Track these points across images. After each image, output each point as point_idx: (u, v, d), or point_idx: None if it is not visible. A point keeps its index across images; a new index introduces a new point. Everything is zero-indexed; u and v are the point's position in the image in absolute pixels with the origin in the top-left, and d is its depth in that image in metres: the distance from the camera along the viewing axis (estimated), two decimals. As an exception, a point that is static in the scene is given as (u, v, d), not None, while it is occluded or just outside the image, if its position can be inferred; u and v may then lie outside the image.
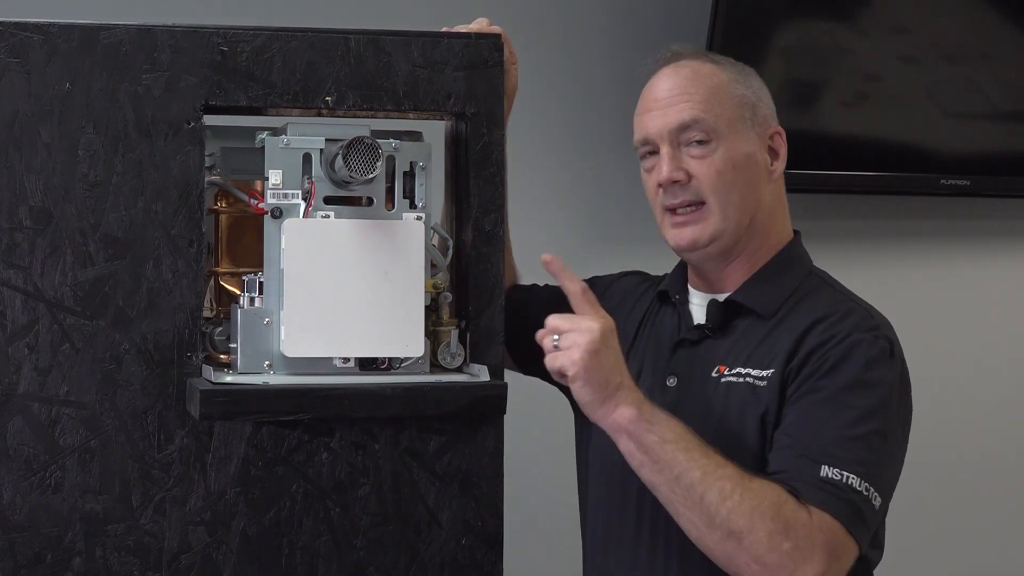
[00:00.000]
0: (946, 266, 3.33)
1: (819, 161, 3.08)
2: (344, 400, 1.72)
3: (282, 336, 1.74)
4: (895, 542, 1.92)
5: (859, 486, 1.72)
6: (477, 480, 1.82)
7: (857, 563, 1.77)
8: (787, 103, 3.05)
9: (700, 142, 1.87)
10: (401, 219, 1.78)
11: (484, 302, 1.84)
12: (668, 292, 1.98)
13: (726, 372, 1.85)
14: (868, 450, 1.75)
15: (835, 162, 3.12)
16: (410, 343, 1.77)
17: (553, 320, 1.76)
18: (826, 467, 1.72)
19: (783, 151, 1.94)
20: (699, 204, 1.88)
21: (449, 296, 1.85)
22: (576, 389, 1.73)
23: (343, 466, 1.78)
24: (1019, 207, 3.33)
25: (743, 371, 1.84)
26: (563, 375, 1.74)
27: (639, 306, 2.02)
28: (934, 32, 3.14)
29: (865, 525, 1.74)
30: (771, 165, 1.92)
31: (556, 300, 2.09)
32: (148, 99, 1.74)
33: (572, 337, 1.72)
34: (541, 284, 2.15)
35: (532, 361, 2.03)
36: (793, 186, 1.95)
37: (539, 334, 1.77)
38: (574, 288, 1.77)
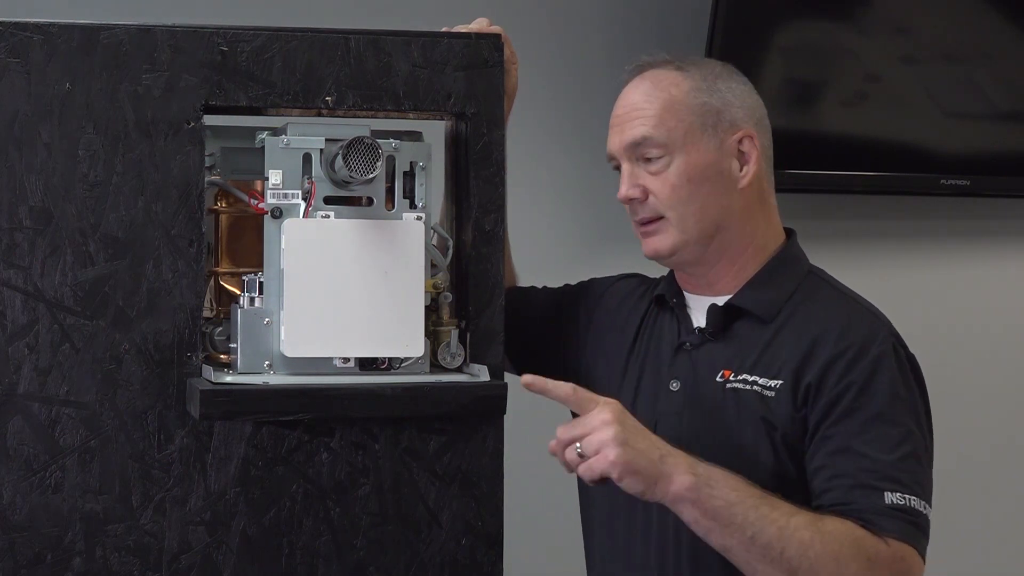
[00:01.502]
0: (946, 266, 3.32)
1: (819, 161, 3.08)
2: (344, 400, 1.72)
3: (282, 336, 1.74)
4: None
5: (919, 506, 1.74)
6: (477, 480, 1.82)
7: None
8: (787, 103, 3.05)
9: (653, 158, 1.88)
10: (401, 219, 1.78)
11: (484, 302, 1.84)
12: (665, 296, 1.98)
13: (731, 377, 1.84)
14: (918, 465, 1.77)
15: (835, 162, 3.11)
16: (410, 343, 1.77)
17: (564, 431, 1.69)
18: (889, 493, 1.72)
19: (754, 155, 1.89)
20: (659, 219, 1.88)
21: (449, 296, 1.84)
22: (627, 486, 1.67)
23: (343, 466, 1.78)
24: (1019, 207, 3.32)
25: (750, 378, 1.83)
26: (603, 481, 1.67)
27: (637, 309, 2.01)
28: (934, 32, 3.13)
29: (927, 541, 1.76)
30: (740, 171, 1.90)
31: (555, 302, 2.10)
32: (148, 99, 1.74)
33: (593, 440, 1.66)
34: (539, 286, 2.15)
35: (530, 363, 2.03)
36: (793, 186, 1.95)
37: (554, 448, 1.70)
38: (565, 392, 1.71)
